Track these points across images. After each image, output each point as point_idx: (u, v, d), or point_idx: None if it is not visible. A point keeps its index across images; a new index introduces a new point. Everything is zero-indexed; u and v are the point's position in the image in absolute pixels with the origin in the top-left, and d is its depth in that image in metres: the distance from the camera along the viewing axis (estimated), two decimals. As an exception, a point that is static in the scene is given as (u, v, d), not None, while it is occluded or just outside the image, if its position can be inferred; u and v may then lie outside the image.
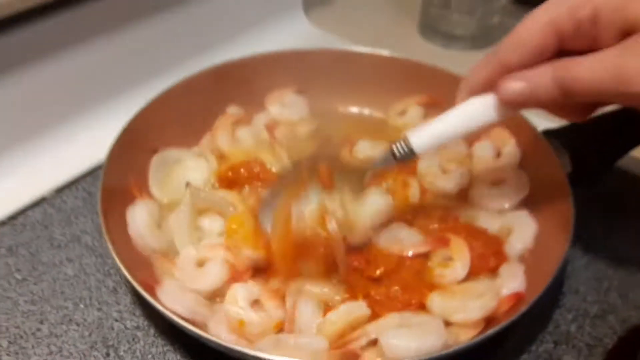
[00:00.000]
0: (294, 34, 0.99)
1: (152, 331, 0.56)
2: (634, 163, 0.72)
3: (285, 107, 0.76)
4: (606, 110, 0.63)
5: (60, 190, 0.71)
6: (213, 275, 0.54)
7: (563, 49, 0.44)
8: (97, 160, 0.65)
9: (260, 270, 0.56)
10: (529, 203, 0.62)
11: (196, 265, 0.56)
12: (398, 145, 0.51)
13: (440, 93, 0.73)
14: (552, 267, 0.50)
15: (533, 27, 0.44)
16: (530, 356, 0.53)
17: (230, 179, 0.64)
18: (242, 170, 0.64)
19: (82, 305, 0.58)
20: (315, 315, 0.52)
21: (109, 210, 0.56)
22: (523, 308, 0.47)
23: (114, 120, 0.65)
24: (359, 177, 0.59)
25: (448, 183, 0.64)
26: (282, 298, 0.53)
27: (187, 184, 0.60)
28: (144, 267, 0.57)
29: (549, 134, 0.65)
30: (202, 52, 0.86)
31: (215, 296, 0.55)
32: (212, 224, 0.60)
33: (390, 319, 0.50)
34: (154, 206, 0.62)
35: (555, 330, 0.56)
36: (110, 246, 0.53)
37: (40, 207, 0.69)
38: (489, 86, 0.47)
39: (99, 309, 0.58)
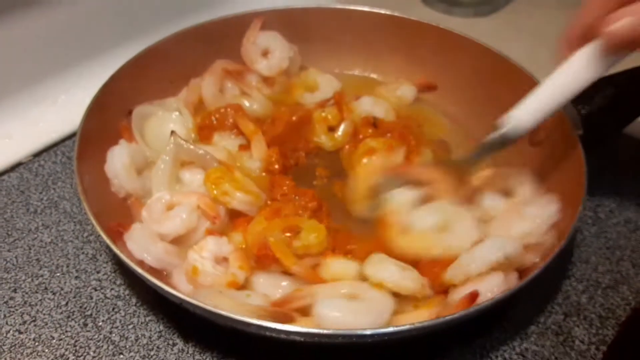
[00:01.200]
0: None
1: (133, 300, 0.52)
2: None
3: (270, 58, 0.70)
4: (616, 72, 0.60)
5: (37, 155, 0.66)
6: (179, 219, 0.51)
7: None
8: (77, 124, 0.60)
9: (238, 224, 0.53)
10: (542, 171, 0.57)
11: (165, 209, 0.52)
12: (505, 124, 0.47)
13: (438, 52, 0.70)
14: (562, 236, 0.46)
15: None
16: (539, 328, 0.50)
17: (207, 126, 0.62)
18: (215, 116, 0.62)
19: (58, 274, 0.54)
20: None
21: (84, 160, 0.53)
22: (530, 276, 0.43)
23: (94, 82, 0.60)
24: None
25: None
26: (249, 264, 0.50)
27: (172, 133, 0.56)
28: (118, 217, 0.53)
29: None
30: (194, 10, 0.80)
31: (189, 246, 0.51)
32: (192, 176, 0.57)
33: (339, 287, 0.47)
34: (136, 150, 0.58)
35: (565, 302, 0.52)
36: (80, 189, 0.49)
37: (16, 171, 0.64)
38: (586, 39, 0.43)
39: (77, 277, 0.54)
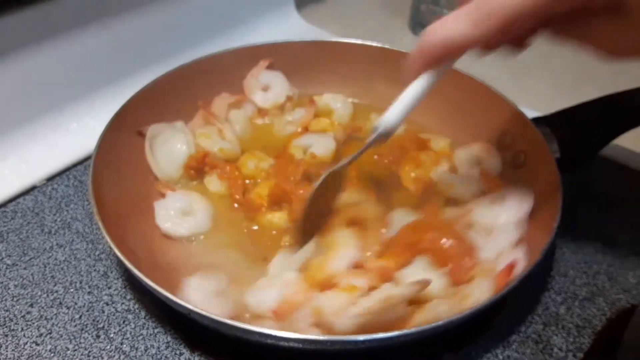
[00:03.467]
0: (286, 29, 1.00)
1: (142, 314, 0.56)
2: (619, 151, 0.73)
3: (268, 92, 0.77)
4: (593, 98, 0.65)
5: (51, 179, 0.71)
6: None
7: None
8: (89, 150, 0.65)
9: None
10: (520, 186, 0.62)
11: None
12: (379, 126, 0.52)
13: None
14: (540, 246, 0.51)
15: None
16: (520, 337, 0.54)
17: (194, 167, 0.66)
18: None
19: (72, 289, 0.58)
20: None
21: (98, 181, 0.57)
22: (510, 285, 0.48)
23: (105, 110, 0.65)
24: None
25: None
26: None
27: None
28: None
29: (538, 121, 0.66)
30: (194, 46, 0.86)
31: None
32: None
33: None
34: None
35: (544, 312, 0.56)
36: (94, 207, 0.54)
37: (31, 195, 0.68)
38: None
39: (90, 293, 0.58)
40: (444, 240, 0.54)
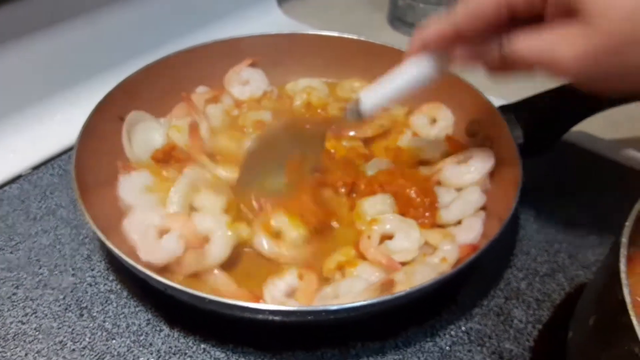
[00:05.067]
0: (267, 24, 1.03)
1: (124, 293, 0.58)
2: (583, 137, 0.77)
3: (246, 86, 0.79)
4: (553, 86, 0.68)
5: (37, 168, 0.73)
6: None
7: (513, 18, 0.48)
8: (73, 139, 0.67)
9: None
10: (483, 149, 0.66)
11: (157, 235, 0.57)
12: (352, 106, 0.55)
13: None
14: (501, 220, 0.54)
15: (487, 1, 0.47)
16: (482, 310, 0.57)
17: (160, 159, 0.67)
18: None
19: (57, 272, 0.60)
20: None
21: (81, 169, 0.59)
22: (471, 257, 0.51)
23: (88, 101, 0.67)
24: (320, 138, 0.64)
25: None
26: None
27: None
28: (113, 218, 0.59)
29: (504, 108, 0.69)
30: (175, 39, 0.88)
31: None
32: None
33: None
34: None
35: (506, 287, 0.59)
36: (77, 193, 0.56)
37: (17, 183, 0.71)
38: (440, 45, 0.51)
39: (74, 275, 0.60)
40: (410, 190, 0.61)
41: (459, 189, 0.64)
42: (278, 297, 0.54)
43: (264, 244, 0.58)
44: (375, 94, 0.54)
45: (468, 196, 0.62)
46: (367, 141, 0.73)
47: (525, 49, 0.46)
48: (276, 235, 0.59)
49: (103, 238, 0.52)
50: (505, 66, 0.48)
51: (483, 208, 0.62)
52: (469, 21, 0.48)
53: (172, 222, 0.57)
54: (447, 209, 0.62)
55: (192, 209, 0.62)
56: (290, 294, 0.55)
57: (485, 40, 0.48)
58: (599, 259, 0.62)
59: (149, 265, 0.53)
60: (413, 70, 0.52)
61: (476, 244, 0.57)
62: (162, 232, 0.57)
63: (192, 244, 0.56)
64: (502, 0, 0.47)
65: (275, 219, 0.60)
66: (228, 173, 0.66)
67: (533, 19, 0.47)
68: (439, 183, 0.66)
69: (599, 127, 0.76)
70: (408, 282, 0.52)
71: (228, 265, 0.57)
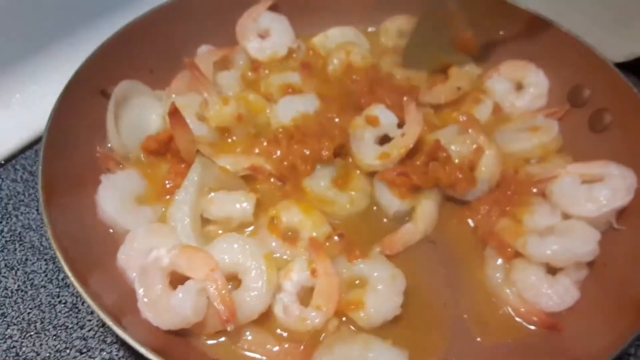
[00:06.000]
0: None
1: (130, 364, 0.42)
2: None
3: (266, 40, 0.60)
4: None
5: (-8, 171, 0.54)
6: (182, 313, 0.39)
7: None
8: (39, 129, 0.48)
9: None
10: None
11: (166, 279, 0.40)
12: None
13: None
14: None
15: None
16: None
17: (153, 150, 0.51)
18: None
19: (32, 333, 0.43)
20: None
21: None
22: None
23: (58, 74, 0.49)
24: None
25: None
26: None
27: (197, 152, 0.47)
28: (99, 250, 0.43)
29: (624, 68, 0.51)
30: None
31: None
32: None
33: None
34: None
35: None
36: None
37: (-34, 195, 0.52)
38: None
39: (56, 337, 0.43)
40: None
41: (567, 217, 0.47)
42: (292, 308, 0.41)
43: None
44: None
45: (575, 238, 0.44)
46: (439, 109, 0.57)
47: None
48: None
49: (95, 307, 0.35)
50: None
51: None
52: None
53: (188, 265, 0.40)
54: (541, 240, 0.44)
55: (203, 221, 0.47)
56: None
57: None
58: None
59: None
60: None
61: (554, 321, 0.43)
62: (174, 277, 0.39)
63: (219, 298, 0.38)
64: None
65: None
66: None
67: None
68: (543, 194, 0.49)
69: None
70: None
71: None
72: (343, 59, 0.61)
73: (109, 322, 0.37)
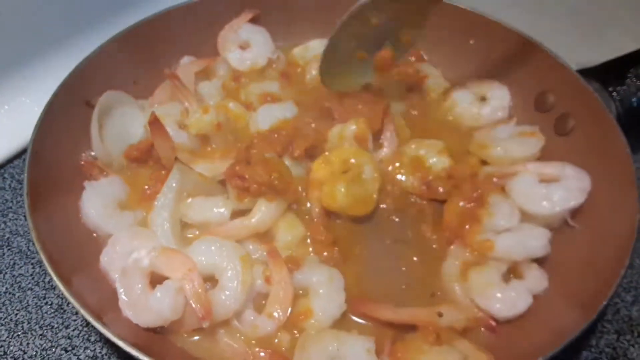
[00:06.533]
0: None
1: (113, 361, 0.43)
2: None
3: (247, 51, 0.62)
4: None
5: (-20, 180, 0.56)
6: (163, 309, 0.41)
7: None
8: (27, 138, 0.50)
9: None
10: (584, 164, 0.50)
11: (146, 279, 0.42)
12: None
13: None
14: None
15: None
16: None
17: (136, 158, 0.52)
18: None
19: (19, 333, 0.45)
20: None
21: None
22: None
23: (45, 86, 0.51)
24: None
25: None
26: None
27: (176, 160, 0.48)
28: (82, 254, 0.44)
29: (586, 74, 0.53)
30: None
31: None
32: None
33: None
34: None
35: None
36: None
37: (-45, 203, 0.54)
38: None
39: (42, 336, 0.45)
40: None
41: (526, 215, 0.48)
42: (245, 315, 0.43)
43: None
44: None
45: (528, 237, 0.46)
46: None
47: None
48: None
49: (80, 308, 0.37)
50: None
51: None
52: None
53: (167, 266, 0.42)
54: (501, 238, 0.46)
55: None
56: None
57: None
58: None
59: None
60: None
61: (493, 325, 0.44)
62: (154, 277, 0.41)
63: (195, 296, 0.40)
64: None
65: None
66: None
67: None
68: (502, 189, 0.50)
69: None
70: None
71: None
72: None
73: (92, 320, 0.38)
